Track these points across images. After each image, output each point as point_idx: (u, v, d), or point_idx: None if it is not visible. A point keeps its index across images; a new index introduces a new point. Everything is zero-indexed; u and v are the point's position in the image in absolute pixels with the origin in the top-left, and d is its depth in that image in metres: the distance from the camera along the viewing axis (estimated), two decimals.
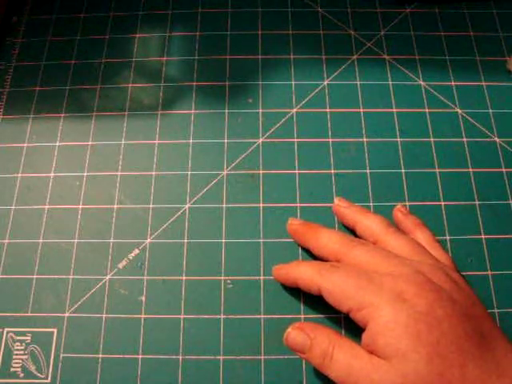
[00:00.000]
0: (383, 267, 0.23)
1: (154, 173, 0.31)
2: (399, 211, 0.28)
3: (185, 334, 0.26)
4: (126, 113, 0.33)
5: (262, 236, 0.29)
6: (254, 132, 0.32)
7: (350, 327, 0.25)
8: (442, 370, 0.19)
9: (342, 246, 0.25)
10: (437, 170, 0.30)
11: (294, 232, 0.28)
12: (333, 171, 0.30)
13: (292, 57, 0.34)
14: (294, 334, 0.23)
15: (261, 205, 0.30)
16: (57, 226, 0.29)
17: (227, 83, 0.34)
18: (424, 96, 0.33)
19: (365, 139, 0.31)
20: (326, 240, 0.26)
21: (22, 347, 0.26)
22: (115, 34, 0.36)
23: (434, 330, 0.20)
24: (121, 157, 0.31)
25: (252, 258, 0.28)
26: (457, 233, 0.28)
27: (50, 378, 0.26)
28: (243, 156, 0.31)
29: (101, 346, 0.26)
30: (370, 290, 0.22)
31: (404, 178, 0.30)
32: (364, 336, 0.22)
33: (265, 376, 0.25)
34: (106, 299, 0.27)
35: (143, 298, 0.27)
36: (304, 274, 0.25)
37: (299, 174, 0.30)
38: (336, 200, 0.29)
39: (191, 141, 0.32)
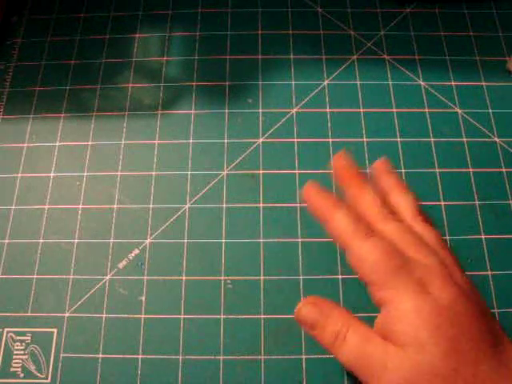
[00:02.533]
0: (411, 251, 0.22)
1: (154, 173, 0.31)
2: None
3: (185, 334, 0.26)
4: (126, 113, 0.33)
5: (261, 236, 0.29)
6: (254, 132, 0.32)
7: None
8: (457, 366, 0.19)
9: (380, 213, 0.23)
10: (437, 170, 0.30)
11: (341, 169, 0.25)
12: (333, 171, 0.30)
13: (292, 57, 0.34)
14: (307, 309, 0.22)
15: (261, 205, 0.30)
16: (57, 226, 0.29)
17: (227, 83, 0.34)
18: (424, 96, 0.33)
19: (365, 139, 0.31)
20: (370, 198, 0.24)
21: (22, 347, 0.26)
22: (115, 34, 0.36)
23: (454, 325, 0.20)
24: (121, 157, 0.31)
25: (252, 258, 0.28)
26: (457, 233, 0.28)
27: (49, 378, 0.26)
28: (243, 156, 0.31)
29: (101, 346, 0.26)
30: (400, 274, 0.21)
31: (404, 178, 0.30)
32: (380, 317, 0.21)
33: (265, 376, 0.25)
34: (106, 299, 0.27)
35: (143, 298, 0.27)
36: (337, 222, 0.23)
37: (299, 173, 0.30)
38: (381, 160, 0.26)
39: (191, 141, 0.32)
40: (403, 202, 0.25)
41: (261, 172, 0.30)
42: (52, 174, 0.31)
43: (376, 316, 0.27)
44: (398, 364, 0.20)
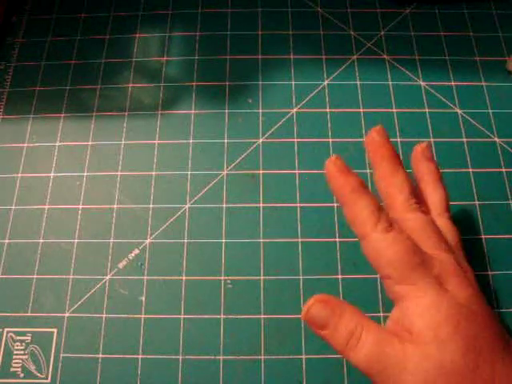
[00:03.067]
0: (429, 245, 0.22)
1: (154, 173, 0.31)
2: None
3: (185, 334, 0.26)
4: (126, 113, 0.33)
5: (261, 236, 0.29)
6: (254, 132, 0.32)
7: None
8: (476, 364, 0.19)
9: (406, 201, 0.23)
10: None
11: (375, 145, 0.24)
12: None
13: (292, 57, 0.34)
14: (317, 308, 0.21)
15: (261, 205, 0.30)
16: (57, 226, 0.29)
17: (227, 83, 0.34)
18: (424, 96, 0.33)
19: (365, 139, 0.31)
20: (400, 183, 0.23)
21: (22, 347, 0.26)
22: (115, 34, 0.36)
23: (472, 324, 0.20)
24: (121, 157, 0.31)
25: (252, 258, 0.28)
26: None
27: (49, 378, 0.26)
28: (243, 156, 0.31)
29: (101, 346, 0.26)
30: (418, 270, 0.21)
31: None
32: (395, 313, 0.21)
33: (265, 376, 0.25)
34: (105, 299, 0.27)
35: (143, 298, 0.27)
36: (359, 212, 0.22)
37: (299, 173, 0.30)
38: (424, 144, 0.26)
39: (191, 141, 0.32)
40: (435, 195, 0.25)
41: (261, 172, 0.30)
42: (52, 174, 0.31)
43: (376, 316, 0.27)
44: (417, 363, 0.19)
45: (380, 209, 0.22)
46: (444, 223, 0.24)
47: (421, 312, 0.20)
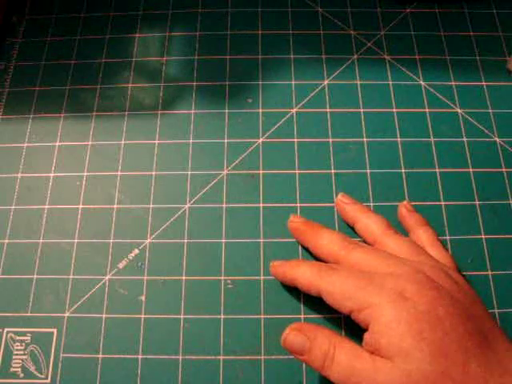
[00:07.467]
0: (382, 268, 0.23)
1: (154, 173, 0.31)
2: (404, 207, 0.28)
3: (185, 334, 0.26)
4: (126, 113, 0.33)
5: (261, 236, 0.29)
6: (254, 132, 0.32)
7: (351, 327, 0.25)
8: (445, 368, 0.19)
9: (341, 248, 0.25)
10: (437, 170, 0.30)
11: (294, 230, 0.28)
12: (333, 171, 0.30)
13: (292, 57, 0.34)
14: (293, 336, 0.23)
15: (261, 205, 0.30)
16: (57, 226, 0.29)
17: (227, 83, 0.34)
18: (424, 96, 0.33)
19: (365, 139, 0.31)
20: (326, 241, 0.26)
21: (22, 347, 0.26)
22: (115, 34, 0.36)
23: (437, 328, 0.20)
24: (121, 157, 0.31)
25: (252, 258, 0.28)
26: (457, 233, 0.28)
27: (49, 378, 0.26)
28: (243, 156, 0.31)
29: (101, 346, 0.26)
30: (371, 290, 0.22)
31: (404, 177, 0.30)
32: (366, 336, 0.22)
33: (265, 376, 0.25)
34: (106, 299, 0.27)
35: (143, 298, 0.27)
36: (303, 275, 0.25)
37: (299, 174, 0.30)
38: (339, 196, 0.29)
39: (191, 141, 0.32)
40: (371, 223, 0.27)
41: (261, 172, 0.30)
42: (52, 174, 0.31)
43: None
44: (387, 376, 0.20)
45: (317, 264, 0.25)
46: (392, 239, 0.26)
47: (383, 329, 0.21)
